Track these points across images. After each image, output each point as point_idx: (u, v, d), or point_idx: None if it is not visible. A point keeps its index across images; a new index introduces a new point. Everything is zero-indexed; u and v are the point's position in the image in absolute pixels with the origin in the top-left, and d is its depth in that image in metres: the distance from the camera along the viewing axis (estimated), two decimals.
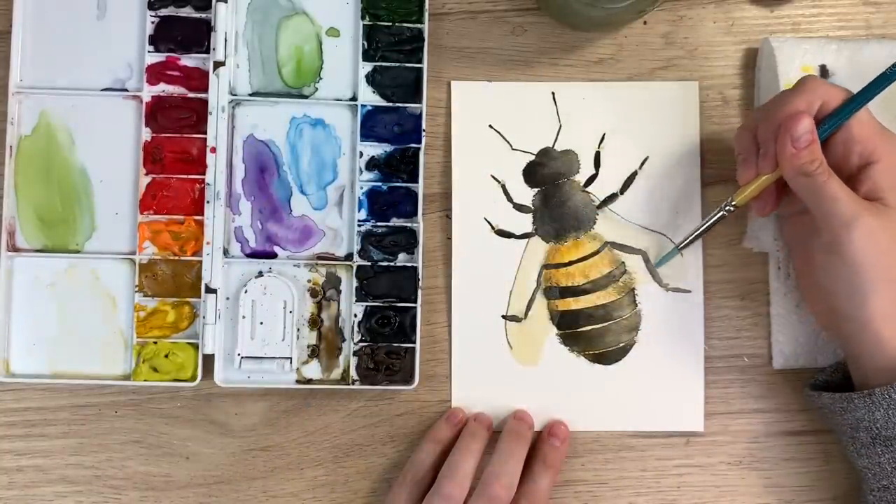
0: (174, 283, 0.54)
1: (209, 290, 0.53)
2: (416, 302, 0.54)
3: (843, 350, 0.51)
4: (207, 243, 0.53)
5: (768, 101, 0.50)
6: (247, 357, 0.53)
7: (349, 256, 0.54)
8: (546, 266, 0.55)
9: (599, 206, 0.55)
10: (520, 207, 0.55)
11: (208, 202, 0.53)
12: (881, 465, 0.47)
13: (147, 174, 0.54)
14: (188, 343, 0.53)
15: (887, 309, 0.46)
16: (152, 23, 0.54)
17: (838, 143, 0.47)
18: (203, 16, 0.54)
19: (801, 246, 0.51)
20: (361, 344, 0.54)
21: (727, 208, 0.51)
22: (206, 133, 0.54)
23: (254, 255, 0.54)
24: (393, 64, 0.54)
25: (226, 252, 0.54)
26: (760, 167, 0.49)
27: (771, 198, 0.50)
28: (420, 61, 0.54)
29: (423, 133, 0.54)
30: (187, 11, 0.54)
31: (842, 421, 0.49)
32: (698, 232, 0.53)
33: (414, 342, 0.54)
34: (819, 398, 0.50)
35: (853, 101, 0.47)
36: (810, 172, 0.46)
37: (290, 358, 0.54)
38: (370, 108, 0.54)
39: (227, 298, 0.54)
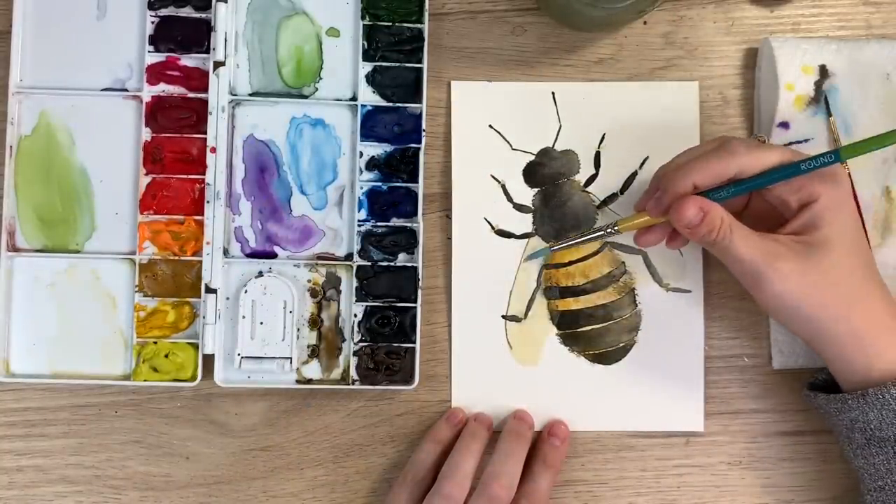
0: (174, 283, 0.54)
1: (209, 290, 0.53)
2: (416, 302, 0.54)
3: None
4: (207, 243, 0.53)
5: (685, 151, 0.50)
6: (247, 357, 0.53)
7: (349, 256, 0.54)
8: (546, 266, 0.55)
9: (599, 206, 0.55)
10: (520, 207, 0.55)
11: (208, 202, 0.53)
12: (875, 465, 0.47)
13: (147, 174, 0.54)
14: (188, 343, 0.53)
15: (847, 337, 0.47)
16: (152, 23, 0.54)
17: (777, 188, 0.47)
18: (203, 16, 0.54)
19: None
20: (361, 344, 0.54)
21: (608, 230, 0.51)
22: (206, 133, 0.54)
23: (254, 255, 0.54)
24: (393, 64, 0.54)
25: (226, 252, 0.54)
26: (649, 208, 0.49)
27: (658, 236, 0.51)
28: (420, 61, 0.54)
29: (423, 133, 0.54)
30: (187, 11, 0.54)
31: (837, 421, 0.49)
32: (573, 242, 0.52)
33: (414, 342, 0.54)
34: (815, 398, 0.50)
35: (765, 177, 0.47)
36: (710, 241, 0.47)
37: (290, 358, 0.54)
38: (370, 108, 0.54)
39: (227, 298, 0.54)
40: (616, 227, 0.51)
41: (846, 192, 0.48)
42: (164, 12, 0.54)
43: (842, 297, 0.46)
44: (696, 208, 0.46)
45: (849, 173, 0.53)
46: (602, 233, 0.51)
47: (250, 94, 0.54)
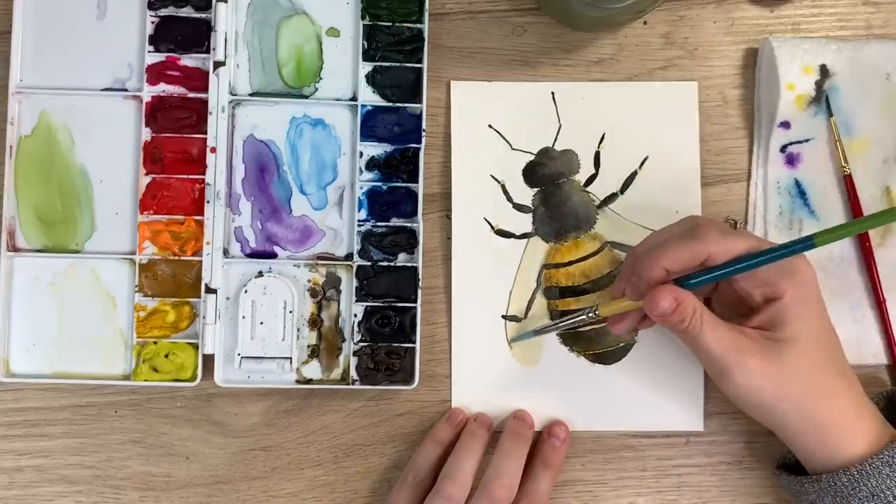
0: (174, 283, 0.54)
1: (209, 290, 0.53)
2: (416, 302, 0.54)
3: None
4: (207, 243, 0.53)
5: (656, 232, 0.49)
6: (247, 357, 0.53)
7: (349, 256, 0.54)
8: (546, 266, 0.55)
9: (599, 206, 0.55)
10: (520, 207, 0.55)
11: (208, 202, 0.53)
12: None
13: (147, 174, 0.54)
14: (188, 343, 0.53)
15: (810, 429, 0.46)
16: (152, 23, 0.54)
17: (741, 281, 0.47)
18: (203, 16, 0.54)
19: None
20: (361, 344, 0.54)
21: (589, 314, 0.50)
22: (206, 133, 0.54)
23: (254, 255, 0.54)
24: (393, 64, 0.54)
25: (226, 252, 0.54)
26: (627, 293, 0.48)
27: (630, 323, 0.50)
28: (420, 61, 0.54)
29: (423, 133, 0.54)
30: (187, 11, 0.54)
31: (798, 501, 0.50)
32: (557, 326, 0.52)
33: (414, 342, 0.54)
34: (779, 478, 0.51)
35: (734, 265, 0.46)
36: (681, 330, 0.46)
37: (290, 358, 0.54)
38: (370, 108, 0.54)
39: (227, 298, 0.54)
40: (597, 312, 0.49)
41: (812, 288, 0.47)
42: (164, 12, 0.54)
43: (806, 392, 0.46)
44: (670, 298, 0.45)
45: (849, 174, 0.54)
46: (584, 317, 0.50)
47: (250, 94, 0.54)
